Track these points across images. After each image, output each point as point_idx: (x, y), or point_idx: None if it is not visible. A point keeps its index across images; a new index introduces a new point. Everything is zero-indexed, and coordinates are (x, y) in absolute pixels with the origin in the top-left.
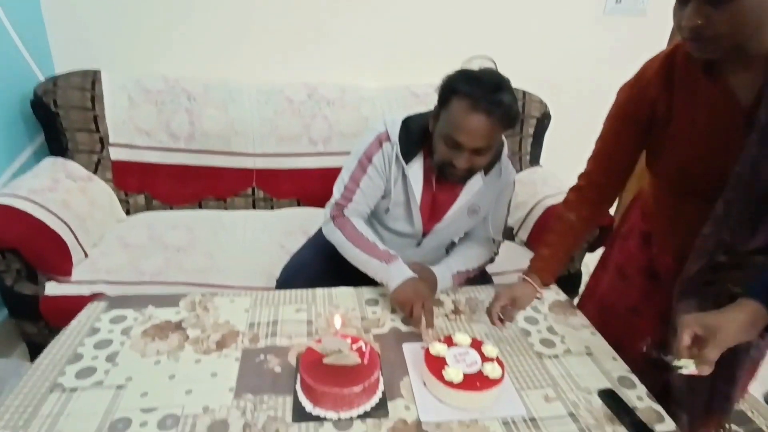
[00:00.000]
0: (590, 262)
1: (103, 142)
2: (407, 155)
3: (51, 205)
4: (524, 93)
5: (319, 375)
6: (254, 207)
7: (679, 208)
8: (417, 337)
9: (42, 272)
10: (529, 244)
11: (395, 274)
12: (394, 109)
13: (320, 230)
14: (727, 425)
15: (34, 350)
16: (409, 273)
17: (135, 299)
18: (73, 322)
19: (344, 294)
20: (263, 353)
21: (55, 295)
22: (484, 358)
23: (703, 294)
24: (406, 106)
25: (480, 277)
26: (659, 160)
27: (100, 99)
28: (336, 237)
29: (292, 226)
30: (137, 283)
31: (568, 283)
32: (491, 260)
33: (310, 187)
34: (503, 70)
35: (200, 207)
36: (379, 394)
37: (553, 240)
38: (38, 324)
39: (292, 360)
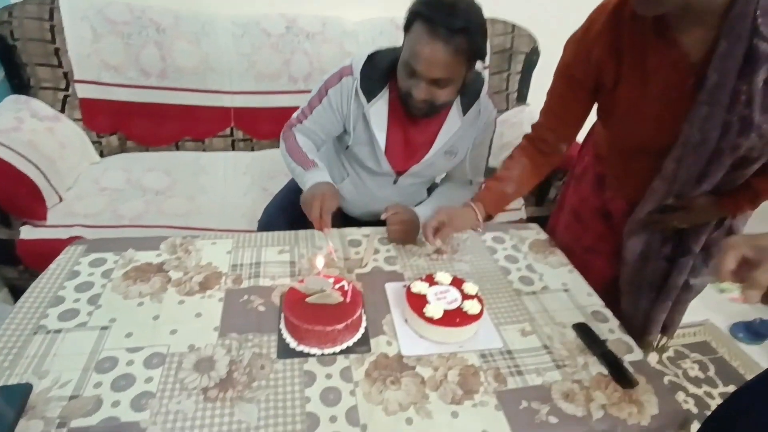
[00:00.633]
0: None
1: (68, 78)
2: (370, 92)
3: (17, 146)
4: (513, 26)
5: (302, 314)
6: (233, 148)
7: (630, 162)
8: (399, 276)
9: (15, 216)
10: None
11: (309, 178)
12: (378, 43)
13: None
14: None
15: (17, 294)
16: (322, 179)
17: (114, 242)
18: (52, 266)
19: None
20: (247, 294)
21: (32, 239)
22: (465, 296)
23: (650, 231)
24: (392, 41)
25: None
26: (610, 120)
27: (60, 30)
28: (281, 150)
29: (274, 168)
30: (116, 226)
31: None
32: None
33: None
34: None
35: (177, 149)
36: (361, 331)
37: (504, 175)
38: (17, 268)
39: (275, 300)
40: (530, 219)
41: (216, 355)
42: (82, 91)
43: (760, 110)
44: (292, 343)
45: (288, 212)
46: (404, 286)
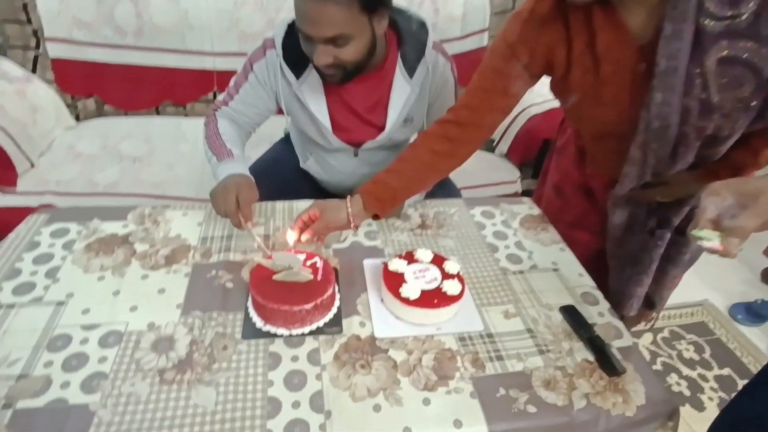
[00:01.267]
0: None
1: (38, 36)
2: (297, 66)
3: None
4: None
5: (269, 292)
6: None
7: (599, 144)
8: (379, 252)
9: None
10: (510, 156)
11: (222, 170)
12: None
13: (282, 138)
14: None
15: None
16: (235, 170)
17: (79, 212)
18: (11, 235)
19: (305, 207)
20: (215, 269)
21: (0, 207)
22: (445, 275)
23: (635, 203)
24: None
25: (447, 190)
26: (566, 105)
27: None
28: (202, 136)
29: (259, 136)
30: (89, 194)
31: None
32: None
33: None
34: None
35: (158, 113)
36: (334, 311)
37: (395, 166)
38: None
39: (245, 276)
40: (525, 193)
41: (177, 334)
42: (54, 51)
43: (717, 91)
44: (259, 323)
45: (266, 182)
46: (383, 263)
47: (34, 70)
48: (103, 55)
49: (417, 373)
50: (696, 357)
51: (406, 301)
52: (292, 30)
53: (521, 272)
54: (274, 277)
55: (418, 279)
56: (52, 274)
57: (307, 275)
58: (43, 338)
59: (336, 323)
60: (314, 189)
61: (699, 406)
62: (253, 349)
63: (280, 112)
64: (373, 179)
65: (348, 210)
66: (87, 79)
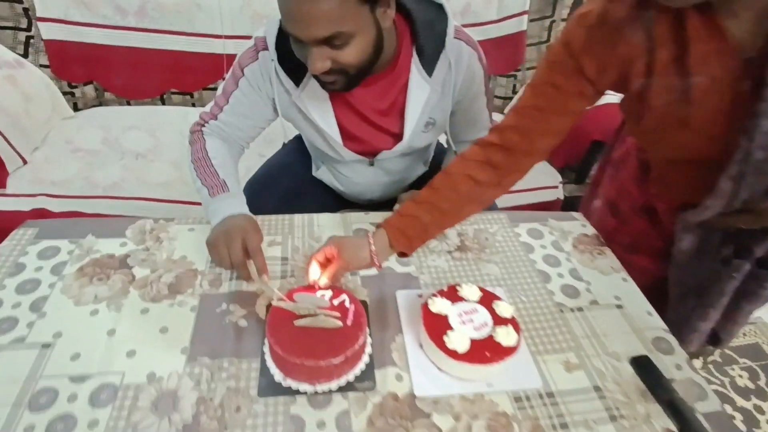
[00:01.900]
0: None
1: (29, 15)
2: (296, 72)
3: None
4: None
5: (290, 341)
6: None
7: (672, 170)
8: (413, 281)
9: None
10: (551, 158)
11: (216, 209)
12: None
13: (293, 139)
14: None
15: None
16: (233, 209)
17: (71, 226)
18: None
19: (328, 222)
20: (225, 301)
21: None
22: (497, 319)
23: (708, 227)
24: None
25: None
26: (639, 127)
27: None
28: (187, 158)
29: (274, 131)
30: (88, 197)
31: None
32: None
33: None
34: None
35: (163, 103)
36: (365, 359)
37: (427, 197)
38: None
39: (261, 311)
40: (568, 201)
41: (181, 389)
42: (48, 32)
43: None
44: (278, 376)
45: (275, 189)
46: (419, 295)
47: (26, 54)
48: (103, 37)
49: None
50: (751, 385)
51: (453, 354)
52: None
53: (580, 309)
54: (296, 322)
55: (465, 324)
56: (37, 306)
57: (335, 322)
58: (25, 392)
59: (368, 376)
60: (330, 196)
61: None
62: (272, 410)
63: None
64: (400, 211)
65: (371, 248)
66: (85, 63)
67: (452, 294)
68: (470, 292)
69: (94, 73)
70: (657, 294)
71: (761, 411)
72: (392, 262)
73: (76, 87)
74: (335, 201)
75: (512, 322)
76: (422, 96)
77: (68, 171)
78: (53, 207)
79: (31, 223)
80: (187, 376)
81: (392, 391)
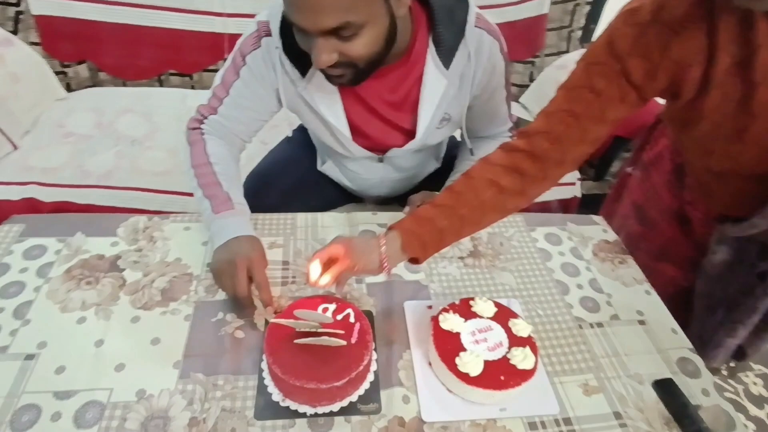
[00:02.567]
0: None
1: None
2: (302, 61)
3: None
4: None
5: (289, 361)
6: None
7: (719, 182)
8: (422, 290)
9: None
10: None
11: (220, 229)
12: None
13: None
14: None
15: None
16: (239, 230)
17: (59, 222)
18: None
19: (333, 222)
20: (222, 310)
21: None
22: (513, 339)
23: (746, 239)
24: None
25: None
26: (687, 135)
27: None
28: (183, 156)
29: (278, 116)
30: (79, 186)
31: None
32: None
33: None
34: None
35: (161, 84)
36: (370, 378)
37: (446, 200)
38: None
39: (259, 322)
40: (586, 199)
41: (172, 408)
42: (38, 6)
43: None
44: (276, 396)
45: (278, 184)
46: (429, 307)
47: (15, 31)
48: (96, 13)
49: None
50: (765, 393)
51: (465, 377)
52: None
53: (600, 325)
54: (297, 341)
55: (478, 344)
56: (21, 312)
57: (338, 341)
58: (6, 410)
59: (373, 397)
60: (336, 191)
61: None
62: None
63: None
64: (416, 214)
65: (381, 251)
66: (78, 41)
67: (465, 309)
68: (485, 307)
69: (87, 52)
70: (680, 305)
71: None
72: (401, 269)
73: (68, 66)
74: (341, 196)
75: (529, 342)
76: (438, 90)
77: (59, 157)
78: (43, 196)
79: (17, 218)
80: (179, 394)
81: (398, 416)
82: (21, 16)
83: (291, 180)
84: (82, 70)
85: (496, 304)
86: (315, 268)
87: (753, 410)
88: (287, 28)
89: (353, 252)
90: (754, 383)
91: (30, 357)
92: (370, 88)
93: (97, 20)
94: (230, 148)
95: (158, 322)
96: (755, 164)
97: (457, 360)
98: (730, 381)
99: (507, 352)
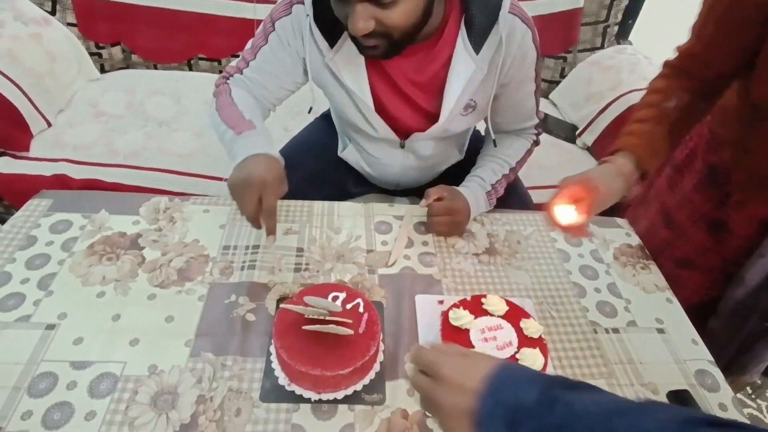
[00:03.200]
0: None
1: None
2: (332, 31)
3: None
4: None
5: (297, 347)
6: None
7: None
8: (435, 284)
9: None
10: (594, 150)
11: (241, 147)
12: None
13: (320, 116)
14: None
15: None
16: (257, 148)
17: (85, 199)
18: (6, 227)
19: (350, 212)
20: (235, 293)
21: (10, 174)
22: (523, 339)
23: None
24: None
25: (519, 198)
26: None
27: None
28: (209, 111)
29: (300, 102)
30: (107, 165)
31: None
32: (530, 152)
33: None
34: None
35: (190, 68)
36: (376, 368)
37: (649, 114)
38: (1, 203)
39: (270, 306)
40: None
41: (182, 385)
42: None
43: None
44: (282, 379)
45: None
46: (440, 302)
47: (53, 11)
48: None
49: None
50: None
51: None
52: None
53: (616, 330)
54: (305, 327)
55: (487, 342)
56: (45, 284)
57: (345, 330)
58: (25, 376)
59: (378, 387)
60: (355, 179)
61: None
62: (273, 418)
63: None
64: (630, 131)
65: (624, 171)
66: (113, 23)
67: (476, 306)
68: (496, 305)
69: (121, 34)
70: (703, 316)
71: None
72: (414, 262)
73: (103, 48)
74: (360, 185)
75: (540, 343)
76: (466, 74)
77: (90, 135)
78: (73, 173)
79: (46, 193)
80: (189, 371)
81: (402, 408)
82: None
83: (311, 167)
84: (116, 52)
85: (508, 303)
86: (563, 211)
87: None
88: (319, 1)
89: (600, 185)
90: None
91: (51, 327)
92: (397, 66)
93: (132, 3)
94: (256, 101)
95: (173, 301)
96: None
97: None
98: (754, 397)
99: (516, 352)
